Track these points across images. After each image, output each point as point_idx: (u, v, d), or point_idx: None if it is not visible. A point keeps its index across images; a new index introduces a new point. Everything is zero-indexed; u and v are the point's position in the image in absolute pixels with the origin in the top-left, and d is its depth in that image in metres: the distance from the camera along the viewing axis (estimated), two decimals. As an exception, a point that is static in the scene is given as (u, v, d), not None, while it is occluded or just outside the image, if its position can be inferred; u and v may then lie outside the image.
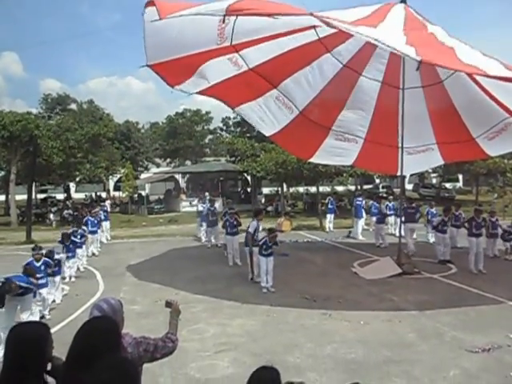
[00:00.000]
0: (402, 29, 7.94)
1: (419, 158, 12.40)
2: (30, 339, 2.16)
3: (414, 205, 14.37)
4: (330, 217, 19.48)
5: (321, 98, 10.94)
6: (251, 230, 10.42)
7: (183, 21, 7.07)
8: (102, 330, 2.24)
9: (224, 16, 6.57)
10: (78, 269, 11.72)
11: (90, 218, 14.50)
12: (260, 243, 9.80)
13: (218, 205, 16.53)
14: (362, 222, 17.49)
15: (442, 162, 13.81)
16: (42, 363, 2.20)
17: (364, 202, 18.21)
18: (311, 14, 6.39)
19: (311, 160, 13.90)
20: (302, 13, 6.65)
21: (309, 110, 11.11)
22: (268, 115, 10.69)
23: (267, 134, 11.79)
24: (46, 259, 8.35)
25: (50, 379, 2.28)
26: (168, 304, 3.09)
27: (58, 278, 9.19)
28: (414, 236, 14.44)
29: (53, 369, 2.29)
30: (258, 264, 9.95)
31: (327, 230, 19.46)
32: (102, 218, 16.48)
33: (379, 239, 15.08)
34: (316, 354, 6.31)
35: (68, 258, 10.82)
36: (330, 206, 19.42)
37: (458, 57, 6.99)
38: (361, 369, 5.67)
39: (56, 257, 8.96)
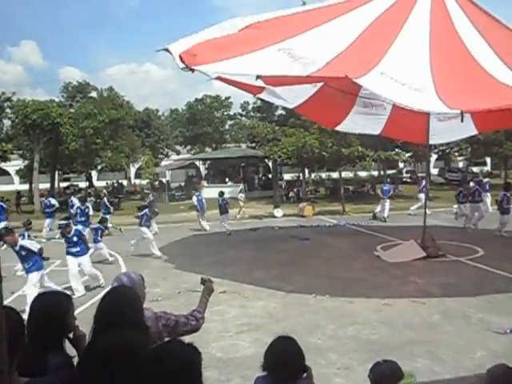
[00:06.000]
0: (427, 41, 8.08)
1: (450, 125, 11.36)
2: (51, 309, 2.19)
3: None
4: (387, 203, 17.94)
5: None
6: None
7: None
8: (121, 298, 2.26)
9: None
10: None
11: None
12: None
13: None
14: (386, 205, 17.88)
15: (474, 132, 12.58)
16: (62, 332, 2.22)
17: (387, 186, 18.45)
18: (346, 77, 6.61)
19: (337, 128, 13.38)
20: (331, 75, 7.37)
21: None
22: (292, 90, 10.38)
23: (292, 107, 11.56)
24: (78, 229, 9.11)
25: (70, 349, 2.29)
26: (203, 281, 3.14)
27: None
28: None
29: (74, 339, 2.31)
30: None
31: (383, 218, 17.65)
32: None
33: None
34: (338, 335, 6.24)
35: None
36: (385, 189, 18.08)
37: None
38: (383, 349, 5.55)
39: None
